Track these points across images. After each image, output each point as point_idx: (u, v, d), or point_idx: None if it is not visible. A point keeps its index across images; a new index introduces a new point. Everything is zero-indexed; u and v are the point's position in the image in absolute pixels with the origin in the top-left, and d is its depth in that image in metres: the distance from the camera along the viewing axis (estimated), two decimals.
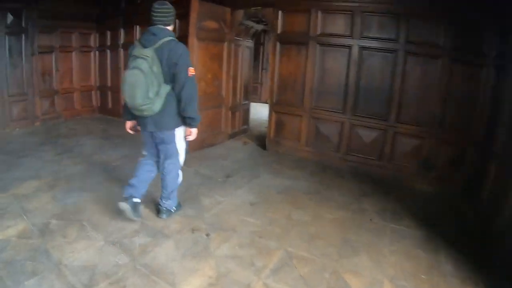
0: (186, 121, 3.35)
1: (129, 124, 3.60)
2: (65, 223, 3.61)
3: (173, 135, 3.40)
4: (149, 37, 3.08)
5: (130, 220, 3.52)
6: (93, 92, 10.03)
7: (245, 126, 8.10)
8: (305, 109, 6.22)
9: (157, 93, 3.07)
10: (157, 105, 3.10)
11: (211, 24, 6.27)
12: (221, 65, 6.75)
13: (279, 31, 6.32)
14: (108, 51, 9.45)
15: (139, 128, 3.53)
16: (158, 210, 3.79)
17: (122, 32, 8.92)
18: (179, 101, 3.19)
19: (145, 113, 3.14)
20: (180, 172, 3.72)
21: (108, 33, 9.33)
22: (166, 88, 3.12)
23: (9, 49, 8.04)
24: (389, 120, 5.51)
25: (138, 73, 2.94)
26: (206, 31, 6.14)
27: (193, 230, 3.69)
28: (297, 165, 6.03)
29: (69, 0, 8.68)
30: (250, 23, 7.00)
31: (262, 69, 13.36)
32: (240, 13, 6.60)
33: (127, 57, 3.39)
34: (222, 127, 7.12)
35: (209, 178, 5.33)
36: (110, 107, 9.71)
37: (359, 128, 5.83)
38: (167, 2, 3.22)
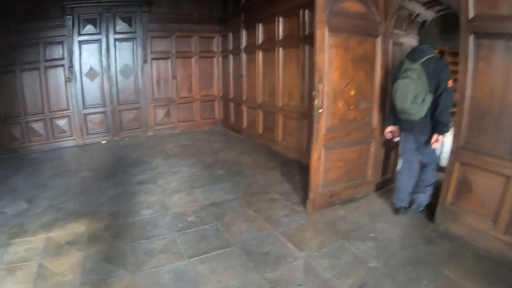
0: (437, 127, 3.54)
1: (389, 128, 4.10)
2: None
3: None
4: (418, 54, 3.62)
5: None
6: (215, 103, 9.25)
7: None
8: None
9: (423, 100, 3.51)
10: (423, 111, 3.55)
11: (353, 6, 4.06)
12: (370, 75, 4.41)
13: (470, 15, 3.41)
14: (231, 56, 8.29)
15: (396, 135, 4.12)
16: (410, 202, 4.14)
17: (244, 33, 7.64)
18: (436, 107, 3.50)
19: (412, 117, 3.61)
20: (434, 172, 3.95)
21: (230, 36, 8.22)
22: (430, 97, 3.51)
23: (119, 56, 7.99)
24: None
25: (409, 82, 3.50)
26: (344, 17, 4.00)
27: None
28: (491, 275, 3.00)
29: (187, 1, 8.22)
30: (416, 7, 4.52)
31: None
32: None
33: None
34: (368, 173, 4.71)
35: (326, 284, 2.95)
36: (233, 121, 8.59)
37: None
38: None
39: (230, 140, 8.07)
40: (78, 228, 3.89)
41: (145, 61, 8.16)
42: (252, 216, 4.17)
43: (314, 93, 3.89)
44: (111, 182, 5.31)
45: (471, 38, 3.40)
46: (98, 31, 7.66)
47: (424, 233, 3.74)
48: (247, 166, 6.07)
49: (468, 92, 3.48)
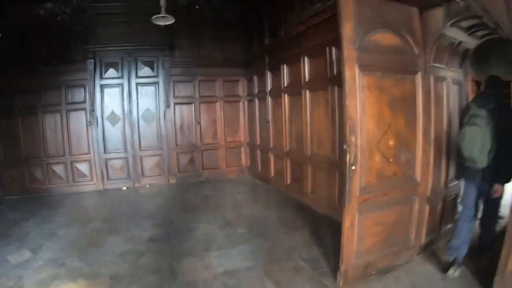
0: (499, 177, 3.49)
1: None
2: None
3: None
4: (485, 99, 3.49)
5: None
6: (242, 149, 8.81)
7: (450, 226, 4.58)
8: None
9: (490, 149, 3.31)
10: (488, 159, 3.33)
11: (387, 38, 3.46)
12: (411, 119, 3.68)
13: None
14: (256, 100, 7.91)
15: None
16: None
17: (269, 75, 7.23)
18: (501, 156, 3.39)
19: (477, 165, 3.37)
20: None
21: (255, 79, 7.88)
22: (496, 146, 3.32)
23: (141, 100, 7.96)
24: None
25: (477, 129, 3.28)
26: (377, 52, 3.38)
27: None
28: None
29: (210, 44, 8.13)
30: (458, 34, 3.86)
31: None
32: (438, 14, 3.57)
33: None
34: (410, 236, 3.93)
35: None
36: (259, 170, 8.09)
37: None
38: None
39: (256, 191, 7.49)
40: None
41: (167, 106, 7.92)
42: None
43: (345, 146, 3.17)
44: (121, 236, 4.99)
45: None
46: (120, 75, 7.63)
47: None
48: (272, 224, 5.44)
49: None
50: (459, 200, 3.84)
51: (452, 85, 4.35)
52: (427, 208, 4.01)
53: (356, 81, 3.20)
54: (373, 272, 3.67)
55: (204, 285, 3.61)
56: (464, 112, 3.68)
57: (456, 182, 4.48)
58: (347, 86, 3.15)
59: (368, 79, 3.31)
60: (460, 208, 3.79)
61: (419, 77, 3.69)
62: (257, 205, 6.51)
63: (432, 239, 4.24)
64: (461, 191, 3.79)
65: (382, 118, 3.40)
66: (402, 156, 3.63)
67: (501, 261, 3.07)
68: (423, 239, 4.08)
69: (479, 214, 3.91)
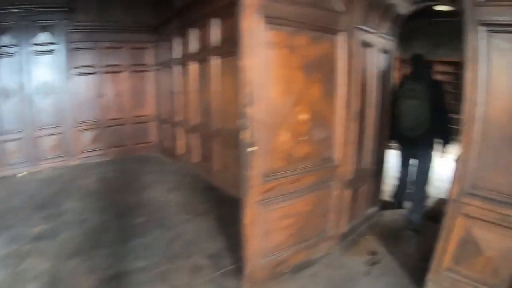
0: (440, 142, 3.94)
1: None
2: None
3: None
4: (419, 73, 3.95)
5: None
6: (150, 124, 7.92)
7: (374, 209, 4.31)
8: None
9: (427, 118, 3.74)
10: (426, 128, 3.76)
11: None
12: (330, 89, 3.04)
13: None
14: (164, 69, 7.10)
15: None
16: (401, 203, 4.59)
17: (176, 41, 6.39)
18: (435, 124, 3.79)
19: (415, 134, 3.81)
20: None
21: (163, 45, 7.02)
22: (432, 115, 3.72)
23: (37, 71, 6.65)
24: None
25: (416, 102, 3.72)
26: (289, 2, 2.64)
27: None
28: None
29: (116, 7, 6.99)
30: None
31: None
32: None
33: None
34: (328, 226, 3.43)
35: None
36: (168, 146, 7.36)
37: None
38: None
39: (163, 171, 6.75)
40: None
41: (68, 77, 6.78)
42: None
43: (241, 121, 2.41)
44: (4, 235, 4.06)
45: (481, 32, 2.39)
46: (13, 43, 6.32)
47: None
48: (175, 210, 4.78)
49: (478, 111, 2.47)
50: (395, 167, 4.41)
51: (381, 53, 3.78)
52: (348, 193, 3.48)
53: (258, 35, 2.44)
54: (287, 271, 3.15)
55: None
56: (399, 86, 4.00)
57: (382, 163, 4.23)
58: (245, 41, 2.38)
59: (276, 34, 2.56)
60: (397, 173, 4.45)
61: (341, 38, 3.04)
62: (162, 187, 5.79)
63: (354, 225, 3.81)
64: (399, 157, 4.37)
65: (292, 86, 2.69)
66: (317, 133, 2.99)
67: (436, 257, 2.79)
68: (344, 227, 3.60)
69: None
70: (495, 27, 2.32)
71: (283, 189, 2.82)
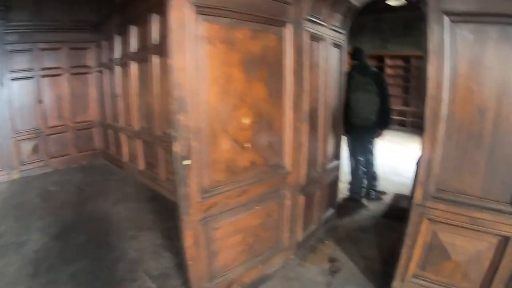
0: (381, 126, 4.47)
1: None
2: None
3: None
4: (364, 67, 4.34)
5: None
6: (94, 130, 7.31)
7: (331, 211, 4.11)
8: None
9: (376, 107, 4.24)
10: (375, 116, 4.27)
11: None
12: (277, 88, 2.72)
13: None
14: (105, 71, 6.60)
15: None
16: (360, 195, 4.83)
17: (117, 40, 5.90)
18: (380, 111, 4.32)
19: (366, 122, 4.27)
20: None
21: (104, 44, 6.47)
22: (379, 104, 4.21)
23: None
24: None
25: (368, 93, 4.15)
26: None
27: None
28: None
29: (55, 5, 6.32)
30: None
31: None
32: None
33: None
34: (283, 236, 3.16)
35: None
36: (113, 153, 6.88)
37: None
38: None
39: (108, 180, 6.24)
40: None
41: (2, 83, 6.05)
42: None
43: (172, 131, 2.05)
44: None
45: (445, 22, 2.19)
46: None
47: None
48: (119, 225, 4.34)
49: (442, 110, 2.28)
50: (347, 155, 4.65)
51: (332, 47, 3.50)
52: (302, 200, 3.23)
53: (189, 28, 2.08)
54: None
55: None
56: (348, 79, 4.06)
57: (337, 162, 3.97)
58: (173, 36, 2.02)
59: (211, 27, 2.21)
60: (350, 161, 4.74)
61: (288, 31, 2.72)
62: (106, 199, 5.30)
63: (311, 231, 3.62)
64: (349, 147, 4.67)
65: (231, 86, 2.34)
66: (264, 138, 2.66)
67: (400, 264, 2.65)
68: (300, 236, 3.36)
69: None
70: (460, 17, 2.13)
71: (228, 204, 2.48)
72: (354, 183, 4.74)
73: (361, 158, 4.67)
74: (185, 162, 2.10)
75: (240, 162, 2.48)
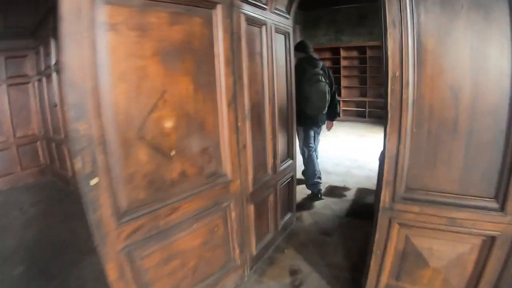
0: (331, 117, 4.73)
1: None
2: None
3: None
4: (315, 60, 4.39)
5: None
6: (38, 144, 6.73)
7: (289, 215, 3.83)
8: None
9: (329, 98, 4.29)
10: (327, 107, 4.31)
11: None
12: (207, 82, 2.29)
13: None
14: (44, 79, 6.00)
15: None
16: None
17: (53, 44, 5.33)
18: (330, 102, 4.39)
19: (321, 113, 4.35)
20: None
21: (41, 50, 5.88)
22: (329, 95, 4.31)
23: None
24: None
25: (323, 85, 4.17)
26: None
27: None
28: None
29: None
30: None
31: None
32: None
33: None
34: (233, 254, 2.79)
35: None
36: (58, 168, 6.31)
37: None
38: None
39: (53, 198, 5.75)
40: None
41: None
42: None
43: (70, 144, 1.62)
44: None
45: None
46: None
47: None
48: (62, 249, 3.94)
49: (409, 93, 1.96)
50: (300, 145, 4.58)
51: (276, 33, 3.10)
52: (251, 208, 2.87)
53: (85, 14, 1.63)
54: None
55: None
56: (301, 71, 4.09)
57: (291, 161, 3.62)
58: (65, 25, 1.58)
59: (115, 11, 1.76)
60: (303, 151, 4.66)
61: (219, 13, 2.30)
62: (48, 220, 4.83)
63: (268, 241, 3.30)
64: (302, 137, 4.60)
65: (146, 83, 1.91)
66: (195, 143, 2.25)
67: (370, 275, 2.42)
68: (253, 250, 3.02)
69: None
70: None
71: (157, 226, 2.06)
72: (309, 172, 4.72)
73: (313, 146, 4.71)
74: (93, 182, 1.66)
75: (166, 174, 2.05)
